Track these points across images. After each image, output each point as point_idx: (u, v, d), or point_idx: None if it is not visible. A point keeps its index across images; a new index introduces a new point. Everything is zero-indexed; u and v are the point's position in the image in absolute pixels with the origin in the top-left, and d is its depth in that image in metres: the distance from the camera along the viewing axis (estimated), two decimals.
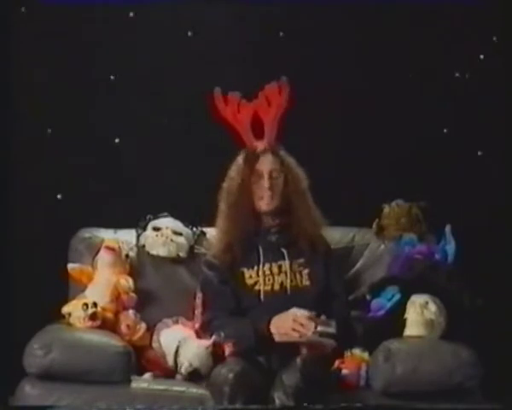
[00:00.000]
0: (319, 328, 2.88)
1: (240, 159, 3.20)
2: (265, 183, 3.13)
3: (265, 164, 3.15)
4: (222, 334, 3.02)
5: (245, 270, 3.12)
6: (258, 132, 3.18)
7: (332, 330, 2.90)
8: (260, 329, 2.97)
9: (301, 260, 3.15)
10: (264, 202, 3.14)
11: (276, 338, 2.94)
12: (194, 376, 3.08)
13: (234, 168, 3.20)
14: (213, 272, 3.16)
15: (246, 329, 3.00)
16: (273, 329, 2.95)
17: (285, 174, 3.15)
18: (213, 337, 3.04)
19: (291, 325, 2.90)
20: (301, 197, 3.16)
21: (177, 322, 3.30)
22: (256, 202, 3.15)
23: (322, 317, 2.91)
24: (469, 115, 3.74)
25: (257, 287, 3.10)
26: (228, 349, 3.00)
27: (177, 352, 3.12)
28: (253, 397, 2.77)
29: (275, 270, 3.12)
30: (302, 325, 2.89)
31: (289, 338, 2.90)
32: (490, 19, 3.71)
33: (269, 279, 3.11)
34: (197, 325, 3.25)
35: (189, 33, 3.72)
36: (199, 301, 3.30)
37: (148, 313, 3.31)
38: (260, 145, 3.18)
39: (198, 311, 3.30)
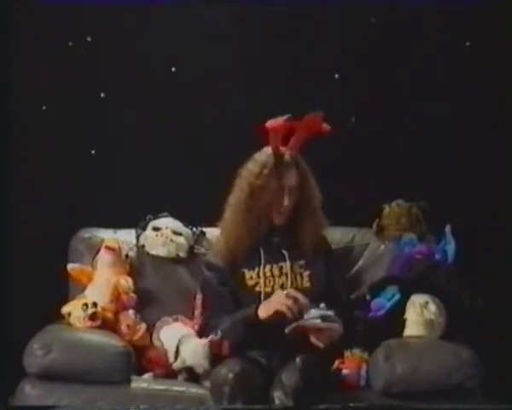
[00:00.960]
0: (317, 312, 2.88)
1: (265, 160, 3.09)
2: (285, 200, 3.07)
3: (290, 179, 3.07)
4: (219, 332, 3.01)
5: (245, 271, 3.11)
6: (284, 139, 3.10)
7: (331, 312, 2.89)
8: (249, 317, 2.97)
9: (302, 262, 3.13)
10: (279, 216, 3.11)
11: (263, 316, 2.93)
12: (187, 373, 3.08)
13: (257, 167, 3.09)
14: (213, 272, 3.15)
15: (236, 321, 3.00)
16: (261, 313, 2.94)
17: (302, 192, 3.11)
18: (211, 336, 3.04)
19: (282, 301, 2.90)
20: (310, 211, 3.14)
21: (176, 320, 3.30)
22: (271, 213, 3.11)
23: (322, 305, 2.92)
24: (470, 115, 3.74)
25: (257, 288, 3.09)
26: (224, 347, 3.00)
27: (178, 349, 3.12)
28: (253, 397, 2.76)
29: (275, 272, 3.11)
30: (293, 299, 2.89)
31: (291, 324, 2.88)
32: (490, 19, 3.71)
33: (269, 281, 3.09)
34: (196, 327, 3.25)
35: (189, 34, 3.72)
36: (199, 301, 3.30)
37: (148, 313, 3.31)
38: (286, 152, 3.10)
39: (197, 311, 3.30)
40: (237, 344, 2.99)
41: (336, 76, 3.73)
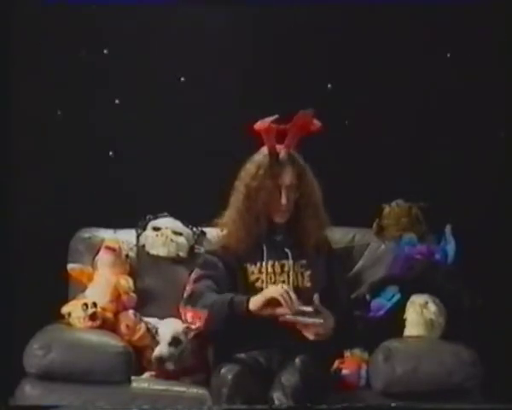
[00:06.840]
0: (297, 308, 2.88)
1: (261, 160, 3.10)
2: (283, 199, 3.08)
3: (285, 178, 3.08)
4: (199, 304, 2.97)
5: (247, 265, 3.10)
6: (280, 136, 3.11)
7: (309, 308, 2.88)
8: (237, 302, 2.93)
9: (304, 262, 3.13)
10: (279, 215, 3.11)
11: (253, 307, 2.90)
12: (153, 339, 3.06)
13: (254, 167, 3.10)
14: (216, 257, 3.13)
15: (223, 299, 2.96)
16: (252, 304, 2.91)
17: (301, 189, 3.11)
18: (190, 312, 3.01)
19: (278, 289, 2.89)
20: (311, 208, 3.14)
21: None
22: (271, 212, 3.11)
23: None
24: (470, 115, 3.74)
25: (258, 284, 3.08)
26: (200, 319, 2.96)
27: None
28: (252, 398, 2.76)
29: (277, 269, 3.11)
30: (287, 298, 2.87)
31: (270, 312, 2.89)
32: (490, 18, 3.72)
33: (271, 278, 3.09)
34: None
35: (189, 35, 3.72)
36: (194, 276, 3.15)
37: (148, 313, 3.31)
38: (281, 151, 3.10)
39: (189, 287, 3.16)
40: (214, 323, 2.96)
41: (336, 76, 3.73)
